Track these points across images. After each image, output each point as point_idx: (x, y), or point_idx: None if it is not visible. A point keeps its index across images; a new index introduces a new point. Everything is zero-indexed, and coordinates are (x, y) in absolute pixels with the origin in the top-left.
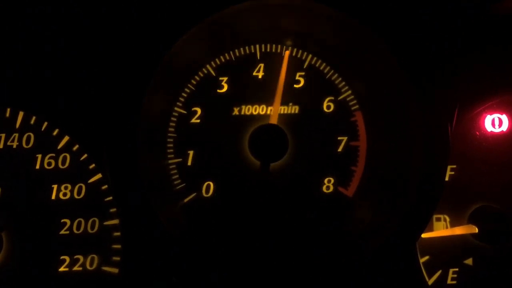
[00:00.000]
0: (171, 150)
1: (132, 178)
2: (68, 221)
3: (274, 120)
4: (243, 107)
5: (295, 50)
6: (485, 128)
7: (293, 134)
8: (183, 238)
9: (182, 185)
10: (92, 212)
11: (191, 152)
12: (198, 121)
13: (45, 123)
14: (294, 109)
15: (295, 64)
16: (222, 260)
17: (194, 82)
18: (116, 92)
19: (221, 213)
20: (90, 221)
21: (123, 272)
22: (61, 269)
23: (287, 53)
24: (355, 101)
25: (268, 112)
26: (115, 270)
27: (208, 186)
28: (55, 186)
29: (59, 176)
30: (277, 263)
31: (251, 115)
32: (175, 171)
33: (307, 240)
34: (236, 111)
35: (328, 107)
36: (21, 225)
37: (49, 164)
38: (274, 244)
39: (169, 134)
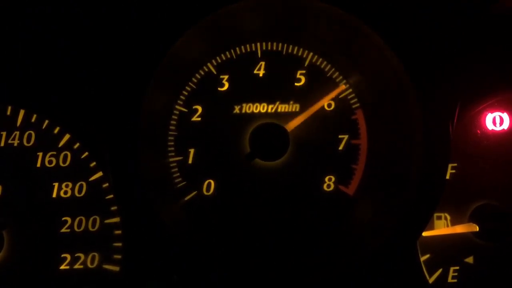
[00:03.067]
0: (172, 148)
1: (132, 176)
2: (69, 219)
3: (290, 127)
4: (244, 105)
5: (296, 48)
6: (486, 126)
7: (294, 133)
8: (183, 237)
9: (183, 183)
10: (93, 210)
11: (191, 150)
12: (199, 119)
13: (46, 121)
14: (295, 107)
15: (296, 62)
16: (222, 260)
17: (195, 80)
18: (117, 90)
19: (221, 211)
20: (91, 219)
21: (124, 270)
22: (62, 267)
23: (342, 86)
24: (356, 99)
25: (269, 110)
26: (116, 268)
27: (208, 185)
28: (56, 184)
29: (60, 174)
30: (277, 263)
31: (252, 113)
32: (176, 169)
33: (307, 239)
34: (237, 109)
35: (329, 105)
36: (22, 223)
37: (50, 162)
38: (274, 244)
39: (170, 132)
